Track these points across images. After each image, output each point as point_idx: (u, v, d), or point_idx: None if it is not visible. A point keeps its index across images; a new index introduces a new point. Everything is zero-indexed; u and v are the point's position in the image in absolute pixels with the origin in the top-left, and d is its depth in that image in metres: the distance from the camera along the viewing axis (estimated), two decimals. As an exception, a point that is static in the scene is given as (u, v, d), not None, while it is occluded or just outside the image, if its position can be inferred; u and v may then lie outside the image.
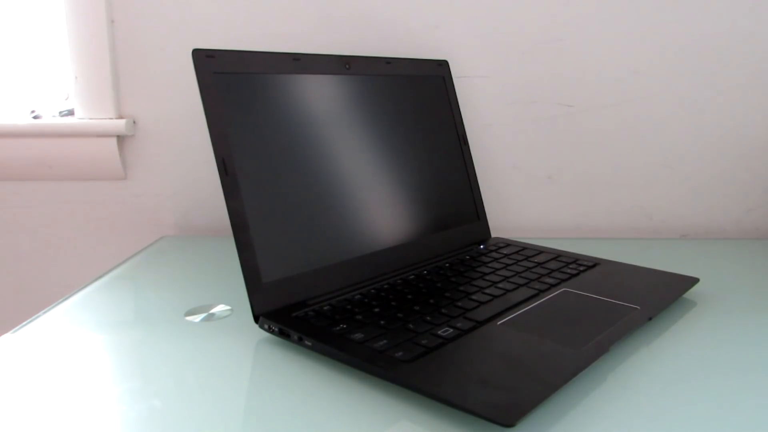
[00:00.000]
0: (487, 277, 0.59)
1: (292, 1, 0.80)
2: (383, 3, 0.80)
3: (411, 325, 0.48)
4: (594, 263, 0.64)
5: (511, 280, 0.59)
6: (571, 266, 0.63)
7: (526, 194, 0.84)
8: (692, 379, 0.43)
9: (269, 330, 0.50)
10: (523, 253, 0.67)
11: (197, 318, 0.55)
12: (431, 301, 0.53)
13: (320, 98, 0.60)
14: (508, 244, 0.71)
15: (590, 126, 0.82)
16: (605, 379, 0.43)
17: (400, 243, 0.63)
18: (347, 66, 0.64)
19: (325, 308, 0.51)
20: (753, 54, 0.78)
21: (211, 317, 0.55)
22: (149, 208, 0.87)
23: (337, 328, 0.48)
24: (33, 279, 0.89)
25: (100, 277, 0.66)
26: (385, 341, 0.45)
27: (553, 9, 0.79)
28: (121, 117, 0.84)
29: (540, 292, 0.56)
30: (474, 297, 0.54)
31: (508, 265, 0.63)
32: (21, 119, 0.84)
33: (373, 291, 0.56)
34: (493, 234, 0.80)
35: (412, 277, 0.60)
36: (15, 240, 0.88)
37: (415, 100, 0.70)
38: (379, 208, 0.62)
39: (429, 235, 0.67)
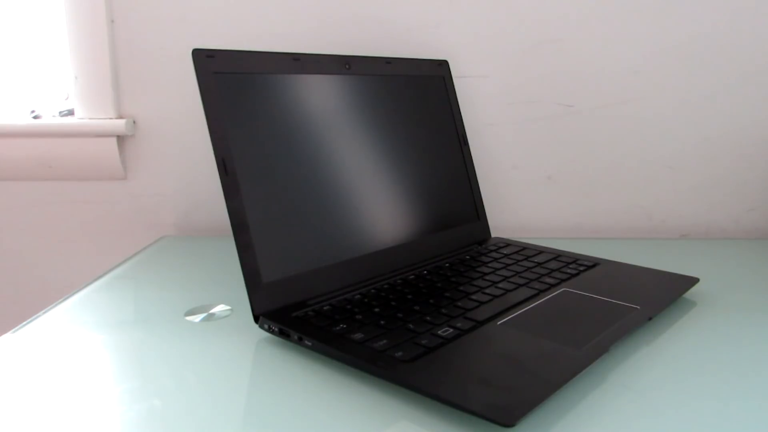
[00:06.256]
0: (487, 277, 0.59)
1: (293, 1, 0.80)
2: (383, 3, 0.80)
3: (411, 325, 0.48)
4: (594, 263, 0.64)
5: (511, 280, 0.59)
6: (571, 266, 0.63)
7: (526, 194, 0.84)
8: (692, 379, 0.43)
9: (269, 330, 0.50)
10: (523, 253, 0.67)
11: (197, 318, 0.55)
12: (431, 301, 0.53)
13: (320, 98, 0.60)
14: (508, 244, 0.71)
15: (590, 126, 0.82)
16: (605, 379, 0.43)
17: (400, 243, 0.63)
18: (347, 66, 0.64)
19: (325, 308, 0.51)
20: (753, 54, 0.78)
21: (211, 317, 0.55)
22: (149, 208, 0.87)
23: (337, 328, 0.48)
24: (33, 279, 0.89)
25: (100, 277, 0.66)
26: (385, 341, 0.45)
27: (553, 9, 0.79)
28: (121, 117, 0.84)
29: (540, 292, 0.56)
30: (474, 297, 0.54)
31: (508, 265, 0.63)
32: (21, 119, 0.84)
33: (373, 291, 0.56)
34: (493, 234, 0.80)
35: (412, 277, 0.60)
36: (15, 240, 0.88)
37: (415, 100, 0.70)
38: (378, 208, 0.62)
39: (429, 235, 0.67)
